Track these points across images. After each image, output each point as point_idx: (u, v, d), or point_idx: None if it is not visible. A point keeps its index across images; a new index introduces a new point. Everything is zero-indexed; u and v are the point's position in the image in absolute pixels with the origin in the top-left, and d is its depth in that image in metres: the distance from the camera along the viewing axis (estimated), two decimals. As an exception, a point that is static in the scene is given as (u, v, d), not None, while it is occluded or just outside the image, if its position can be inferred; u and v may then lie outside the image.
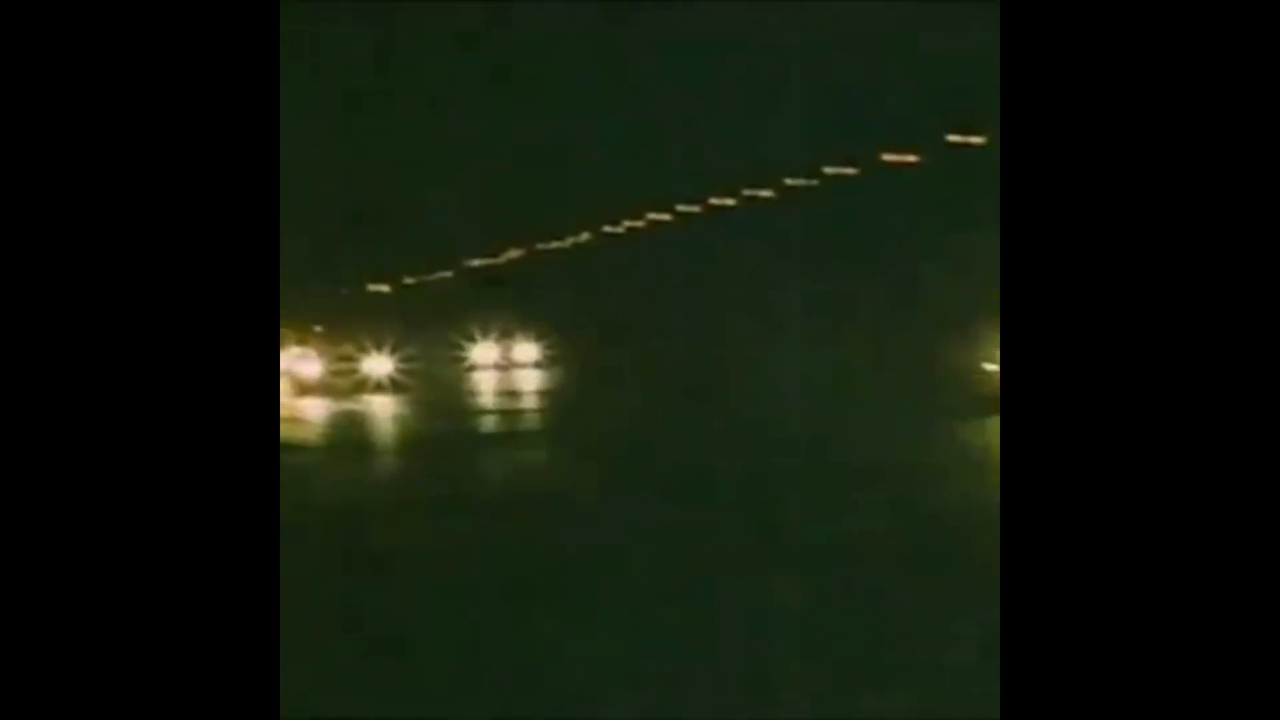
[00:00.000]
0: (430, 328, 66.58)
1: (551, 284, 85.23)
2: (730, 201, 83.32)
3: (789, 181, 79.15)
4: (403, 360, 56.40)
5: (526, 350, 67.15)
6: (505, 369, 63.65)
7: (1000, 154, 4.97)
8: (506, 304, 72.98)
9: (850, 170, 75.05)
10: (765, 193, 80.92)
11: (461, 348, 66.35)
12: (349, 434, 35.00)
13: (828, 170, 76.34)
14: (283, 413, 35.02)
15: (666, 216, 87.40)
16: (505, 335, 68.00)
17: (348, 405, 44.33)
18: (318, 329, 65.34)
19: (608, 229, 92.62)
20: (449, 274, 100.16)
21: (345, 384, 53.46)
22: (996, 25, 5.15)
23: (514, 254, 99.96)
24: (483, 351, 66.41)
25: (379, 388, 52.09)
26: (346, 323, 66.00)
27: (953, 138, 65.89)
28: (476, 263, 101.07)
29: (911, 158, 71.29)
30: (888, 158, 72.22)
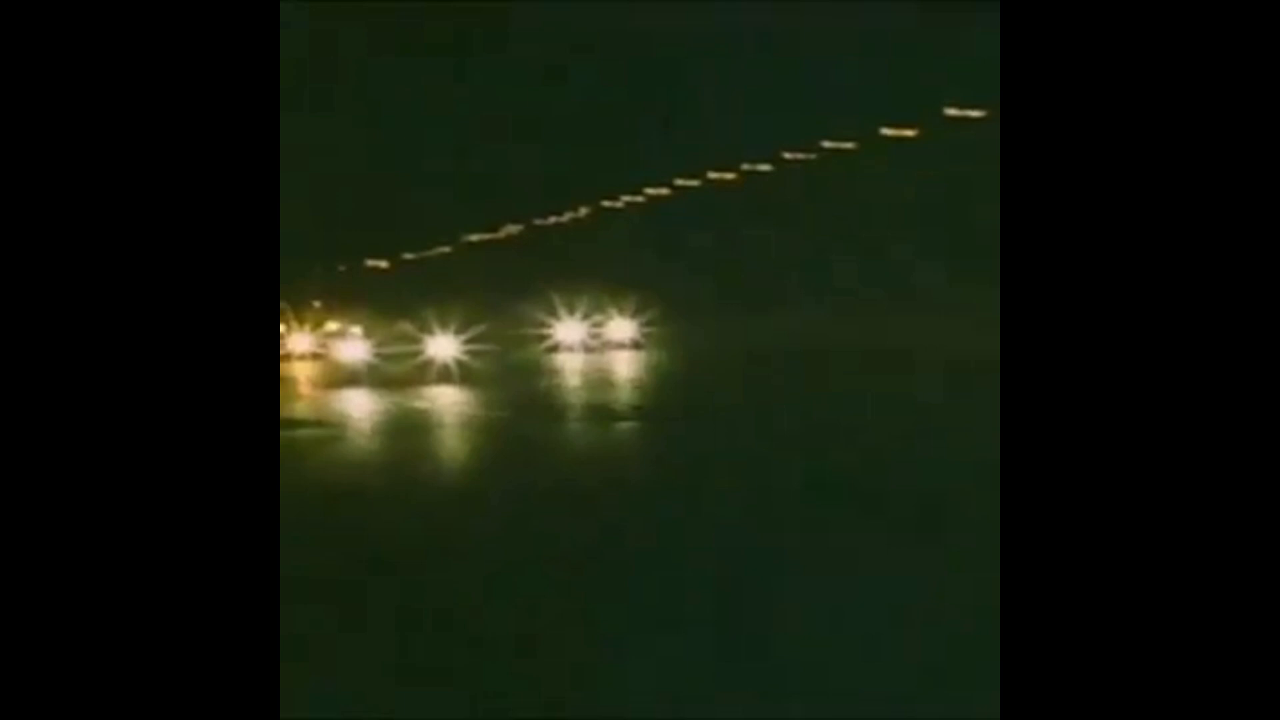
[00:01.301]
0: (492, 301, 57.08)
1: (557, 257, 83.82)
2: (729, 175, 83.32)
3: (788, 155, 79.19)
4: (470, 341, 47.55)
5: (621, 327, 56.29)
6: (596, 350, 53.38)
7: (1000, 129, 4.95)
8: (543, 276, 62.37)
9: (849, 145, 75.08)
10: (764, 167, 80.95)
11: (541, 324, 55.68)
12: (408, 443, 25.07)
13: (827, 144, 76.35)
14: (314, 406, 31.35)
15: (665, 191, 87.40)
16: (596, 309, 56.99)
17: (405, 399, 33.74)
18: (316, 305, 63.82)
19: (606, 204, 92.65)
20: (448, 249, 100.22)
21: (400, 370, 43.25)
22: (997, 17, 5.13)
23: (512, 229, 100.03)
24: (567, 330, 55.45)
25: (445, 375, 41.15)
26: (354, 298, 63.72)
27: (951, 112, 65.91)
28: (475, 237, 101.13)
29: (910, 132, 71.31)
30: (886, 132, 72.23)
